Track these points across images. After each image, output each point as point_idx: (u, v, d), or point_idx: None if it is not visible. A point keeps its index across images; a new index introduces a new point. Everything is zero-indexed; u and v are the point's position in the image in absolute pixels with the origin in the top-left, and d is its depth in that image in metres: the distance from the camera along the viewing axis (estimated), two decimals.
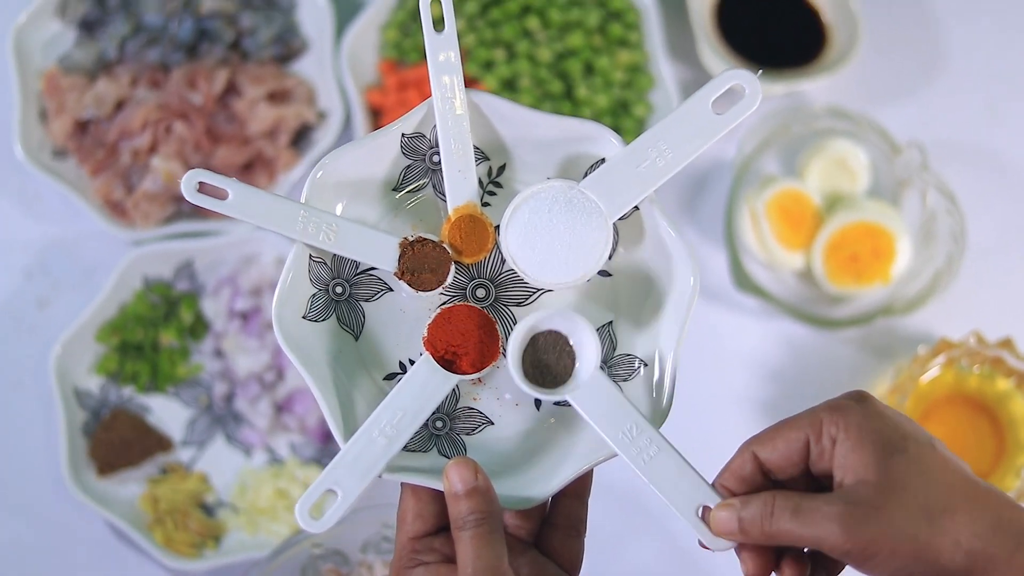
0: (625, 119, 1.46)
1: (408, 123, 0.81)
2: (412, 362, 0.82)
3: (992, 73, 1.58)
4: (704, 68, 1.52)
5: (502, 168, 0.84)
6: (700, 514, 0.75)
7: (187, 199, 0.76)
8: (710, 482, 0.76)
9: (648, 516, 1.38)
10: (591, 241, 0.78)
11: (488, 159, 0.83)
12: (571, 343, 0.79)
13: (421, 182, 0.83)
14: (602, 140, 0.80)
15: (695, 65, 1.53)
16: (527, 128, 0.82)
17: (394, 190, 0.83)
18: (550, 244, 0.78)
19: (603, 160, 0.81)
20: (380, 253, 0.79)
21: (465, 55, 1.46)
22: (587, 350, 0.78)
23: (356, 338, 0.82)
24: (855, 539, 0.68)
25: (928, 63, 1.58)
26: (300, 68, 1.51)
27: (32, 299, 1.45)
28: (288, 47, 1.50)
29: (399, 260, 0.78)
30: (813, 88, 1.53)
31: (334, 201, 0.81)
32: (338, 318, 0.81)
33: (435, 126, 0.80)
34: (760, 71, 0.75)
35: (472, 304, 0.81)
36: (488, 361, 0.80)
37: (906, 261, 1.43)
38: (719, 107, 0.76)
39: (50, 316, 1.44)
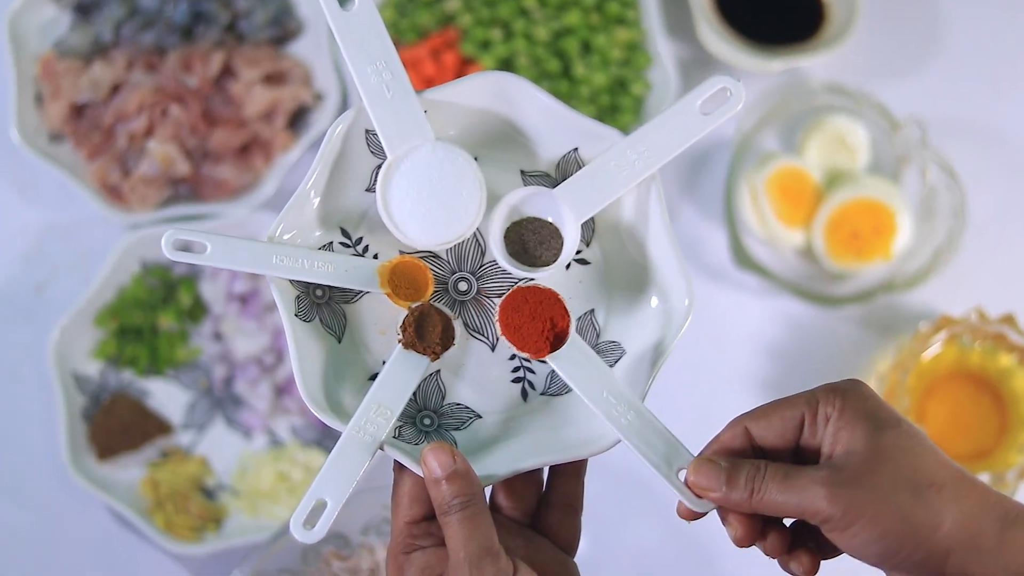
0: (623, 97, 1.46)
1: (363, 118, 0.80)
2: None
3: (992, 48, 1.57)
4: (702, 45, 1.51)
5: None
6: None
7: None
8: (696, 453, 0.77)
9: (651, 497, 1.38)
10: (465, 199, 0.79)
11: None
12: (559, 231, 0.80)
13: None
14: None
15: (693, 42, 1.52)
16: (460, 100, 0.81)
17: (367, 190, 0.82)
18: (426, 204, 0.78)
19: (576, 149, 0.81)
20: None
21: (461, 35, 1.46)
22: (569, 240, 0.80)
23: (339, 340, 0.82)
24: (837, 503, 0.69)
25: (927, 39, 1.57)
26: (296, 50, 1.50)
27: (30, 284, 1.44)
28: (284, 29, 1.49)
29: (403, 332, 0.79)
30: (812, 64, 1.52)
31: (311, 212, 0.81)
32: (320, 320, 0.81)
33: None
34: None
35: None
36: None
37: (907, 237, 1.42)
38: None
39: (48, 301, 1.44)
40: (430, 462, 0.75)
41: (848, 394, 0.73)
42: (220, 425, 1.40)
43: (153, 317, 1.39)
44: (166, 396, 1.41)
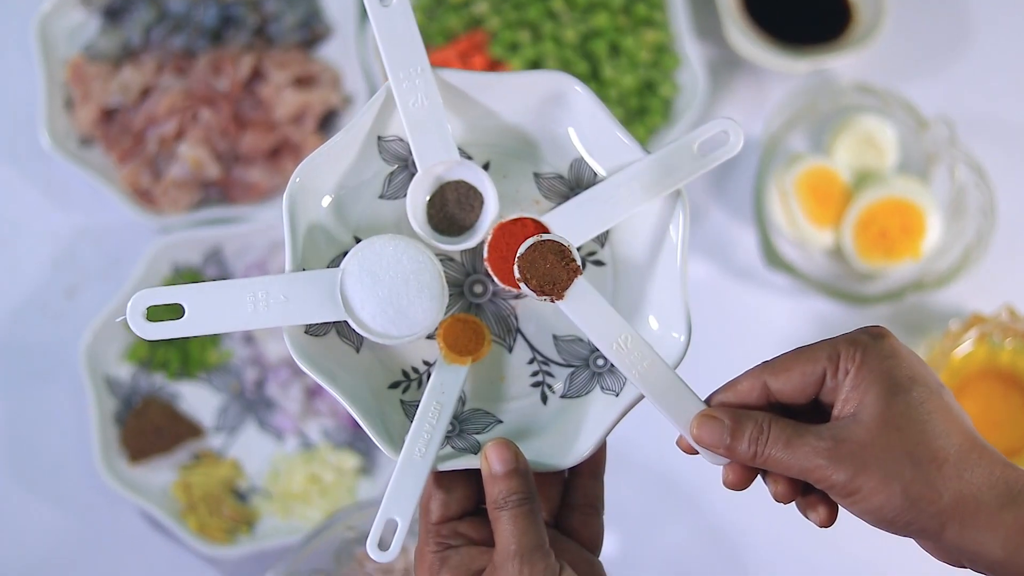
0: (651, 99, 1.46)
1: (377, 121, 0.79)
2: (415, 369, 0.82)
3: (1020, 45, 1.57)
4: (730, 46, 1.51)
5: (486, 166, 0.82)
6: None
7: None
8: (704, 397, 0.76)
9: (680, 497, 1.38)
10: (426, 296, 0.77)
11: (470, 159, 0.82)
12: (480, 193, 0.80)
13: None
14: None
15: (721, 44, 1.52)
16: (493, 101, 0.81)
17: (380, 198, 0.82)
18: (387, 297, 0.77)
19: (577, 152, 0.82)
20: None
21: (490, 37, 1.46)
22: (490, 201, 0.79)
23: (357, 350, 0.81)
24: (838, 472, 0.69)
25: (954, 37, 1.57)
26: (325, 53, 1.51)
27: (60, 289, 1.45)
28: (313, 32, 1.49)
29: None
30: (839, 64, 1.52)
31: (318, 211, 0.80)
32: (337, 331, 0.80)
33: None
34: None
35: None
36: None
37: (936, 236, 1.42)
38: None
39: (79, 305, 1.44)
40: (492, 457, 0.75)
41: (868, 350, 0.71)
42: (252, 428, 1.40)
43: None
44: (197, 399, 1.41)
